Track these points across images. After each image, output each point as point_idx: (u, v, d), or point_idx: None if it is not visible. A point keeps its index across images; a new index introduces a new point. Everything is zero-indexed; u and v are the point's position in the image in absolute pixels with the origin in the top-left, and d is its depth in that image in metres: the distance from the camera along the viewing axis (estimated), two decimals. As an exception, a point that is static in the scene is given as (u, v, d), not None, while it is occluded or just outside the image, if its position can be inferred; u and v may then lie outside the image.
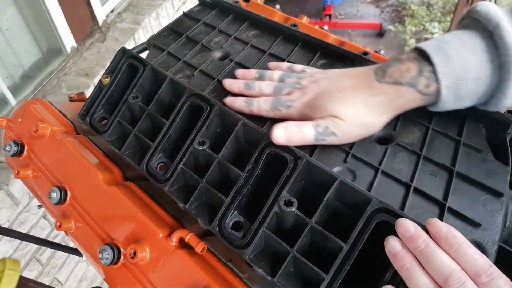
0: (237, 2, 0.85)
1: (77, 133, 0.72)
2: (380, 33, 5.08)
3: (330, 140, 0.54)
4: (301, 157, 0.49)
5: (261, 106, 0.58)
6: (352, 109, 0.53)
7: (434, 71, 0.51)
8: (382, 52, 0.88)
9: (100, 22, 2.21)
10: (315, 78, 0.59)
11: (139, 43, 0.88)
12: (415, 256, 0.40)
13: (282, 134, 0.51)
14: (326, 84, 0.57)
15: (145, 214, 0.56)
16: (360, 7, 5.70)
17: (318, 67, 0.72)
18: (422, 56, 0.52)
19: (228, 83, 0.64)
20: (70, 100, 0.88)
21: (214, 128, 0.58)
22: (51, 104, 0.77)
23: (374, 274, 0.44)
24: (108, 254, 0.54)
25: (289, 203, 0.46)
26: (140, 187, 0.62)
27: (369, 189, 0.52)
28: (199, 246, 0.51)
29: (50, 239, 1.69)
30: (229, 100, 0.61)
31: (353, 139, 0.56)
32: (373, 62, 0.68)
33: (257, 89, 0.61)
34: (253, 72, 0.65)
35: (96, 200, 0.61)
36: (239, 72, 0.66)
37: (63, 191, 0.63)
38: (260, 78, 0.64)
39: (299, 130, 0.52)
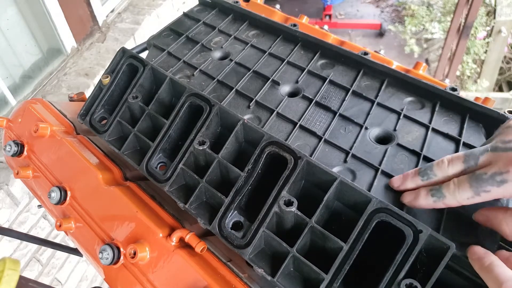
0: (237, 2, 0.85)
1: (77, 133, 0.72)
2: (380, 33, 5.09)
3: None
4: (301, 157, 0.49)
5: (459, 196, 0.44)
6: None
7: None
8: (382, 52, 0.88)
9: (100, 22, 2.21)
10: None
11: (139, 43, 0.88)
12: None
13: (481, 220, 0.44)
14: None
15: (145, 214, 0.56)
16: (360, 7, 5.71)
17: (318, 67, 0.72)
18: None
19: (397, 182, 0.51)
20: (70, 100, 0.88)
21: (214, 128, 0.58)
22: (51, 104, 0.77)
23: (374, 273, 0.44)
24: (108, 254, 0.54)
25: (289, 203, 0.46)
26: (140, 187, 0.62)
27: (369, 189, 0.52)
28: (199, 246, 0.51)
29: (50, 239, 1.70)
30: (408, 198, 0.49)
31: None
32: (375, 63, 0.68)
33: (438, 173, 0.47)
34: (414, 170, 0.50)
35: (96, 200, 0.61)
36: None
37: (63, 191, 0.63)
38: (425, 172, 0.49)
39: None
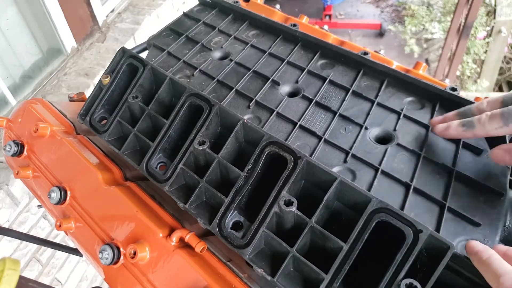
0: (237, 2, 0.85)
1: (77, 133, 0.72)
2: (380, 33, 5.09)
3: None
4: (301, 157, 0.49)
5: (488, 125, 0.48)
6: None
7: None
8: (382, 52, 0.88)
9: (100, 22, 2.21)
10: None
11: (139, 43, 0.88)
12: None
13: (500, 159, 0.48)
14: None
15: (145, 214, 0.56)
16: (360, 7, 5.71)
17: (318, 67, 0.72)
18: None
19: (441, 127, 0.55)
20: (70, 100, 0.88)
21: (214, 128, 0.58)
22: (51, 104, 0.77)
23: (373, 273, 0.44)
24: (108, 254, 0.54)
25: (289, 203, 0.46)
26: (140, 187, 0.62)
27: (369, 189, 0.52)
28: (199, 246, 0.51)
29: (50, 239, 1.70)
30: (440, 127, 0.54)
31: None
32: (375, 63, 0.68)
33: (475, 110, 0.52)
34: (453, 113, 0.55)
35: (96, 200, 0.61)
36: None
37: (63, 191, 0.63)
38: (464, 113, 0.54)
39: None
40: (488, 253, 0.41)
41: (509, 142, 0.54)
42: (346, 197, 0.48)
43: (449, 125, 0.53)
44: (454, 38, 4.00)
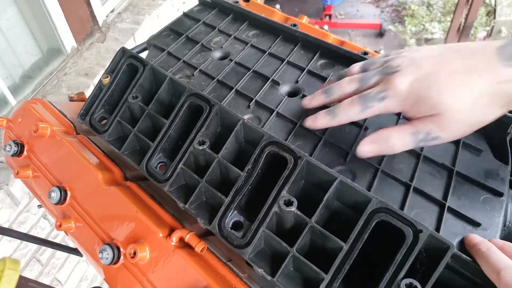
0: (237, 2, 0.85)
1: (77, 133, 0.72)
2: (380, 33, 5.09)
3: (431, 143, 0.48)
4: (301, 157, 0.49)
5: (349, 112, 0.50)
6: (466, 103, 0.43)
7: None
8: (382, 52, 0.88)
9: (100, 22, 2.22)
10: (410, 57, 0.48)
11: (139, 43, 0.88)
12: None
13: (370, 152, 0.50)
14: (429, 66, 0.46)
15: (145, 214, 0.56)
16: (360, 7, 5.71)
17: (318, 67, 0.72)
18: None
19: (306, 101, 0.58)
20: (70, 100, 0.88)
21: (214, 127, 0.58)
22: (51, 104, 0.77)
23: (373, 273, 0.44)
24: (108, 254, 0.54)
25: (289, 203, 0.46)
26: (140, 187, 0.62)
27: (369, 189, 0.52)
28: (199, 246, 0.51)
29: (50, 239, 1.70)
30: (309, 121, 0.55)
31: (460, 137, 0.48)
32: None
33: (337, 91, 0.53)
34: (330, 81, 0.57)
35: (96, 200, 0.61)
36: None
37: (63, 191, 0.63)
38: (338, 79, 0.56)
39: (392, 145, 0.49)
40: (486, 246, 0.42)
41: None
42: (346, 197, 0.48)
43: (316, 116, 0.54)
44: (454, 38, 4.01)
